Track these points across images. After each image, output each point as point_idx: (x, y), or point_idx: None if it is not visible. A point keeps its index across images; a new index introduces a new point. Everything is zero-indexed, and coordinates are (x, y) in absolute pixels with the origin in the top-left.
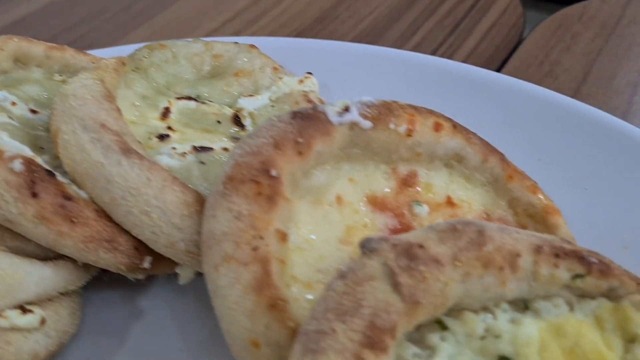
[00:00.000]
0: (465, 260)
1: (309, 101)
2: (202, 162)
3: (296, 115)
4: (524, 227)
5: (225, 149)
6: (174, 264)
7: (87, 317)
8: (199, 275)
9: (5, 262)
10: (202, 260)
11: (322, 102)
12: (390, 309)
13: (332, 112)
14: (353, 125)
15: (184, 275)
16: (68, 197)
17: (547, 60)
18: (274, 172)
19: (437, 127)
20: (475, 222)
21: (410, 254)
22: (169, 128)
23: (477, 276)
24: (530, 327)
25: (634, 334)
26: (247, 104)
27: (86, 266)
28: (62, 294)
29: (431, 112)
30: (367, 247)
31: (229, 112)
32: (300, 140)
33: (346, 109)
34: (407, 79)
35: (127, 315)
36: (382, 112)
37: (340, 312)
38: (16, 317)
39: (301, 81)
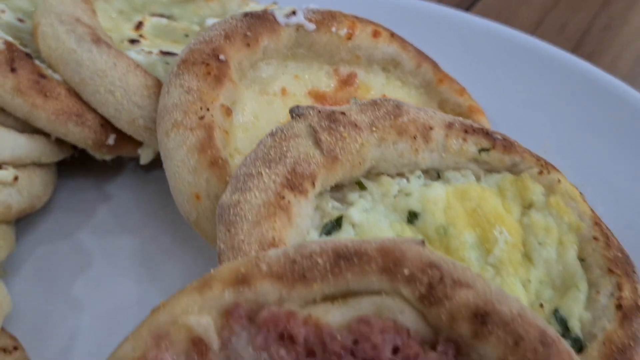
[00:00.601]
0: (381, 127)
1: None
2: (167, 63)
3: (247, 15)
4: None
5: None
6: (136, 146)
7: (59, 196)
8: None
9: None
10: (157, 131)
11: None
12: (311, 160)
13: (279, 14)
14: (299, 26)
15: (145, 155)
16: (43, 76)
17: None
18: (222, 57)
19: (376, 34)
20: (394, 99)
21: (332, 117)
22: (141, 36)
23: (392, 142)
24: (438, 189)
25: (531, 201)
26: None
27: (59, 144)
28: (37, 165)
29: (371, 22)
30: (295, 112)
31: (197, 28)
32: (248, 34)
33: (293, 13)
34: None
35: (95, 198)
36: (326, 17)
37: (266, 160)
38: None
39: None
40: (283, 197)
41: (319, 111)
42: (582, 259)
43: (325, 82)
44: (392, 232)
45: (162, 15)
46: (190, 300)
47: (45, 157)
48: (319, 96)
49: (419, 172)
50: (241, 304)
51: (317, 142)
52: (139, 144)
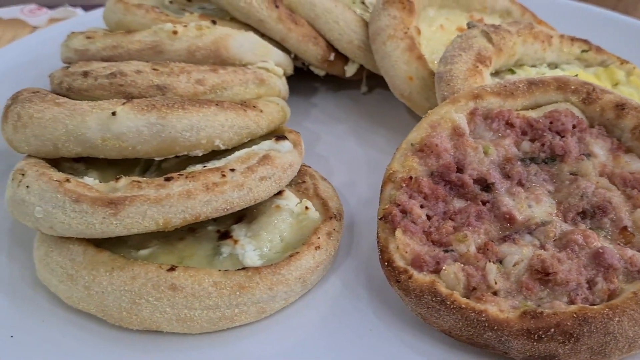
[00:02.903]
0: (524, 33)
1: None
2: (363, 2)
3: None
4: None
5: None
6: (342, 66)
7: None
8: (358, 75)
9: (264, 41)
10: (371, 45)
11: None
12: (487, 49)
13: None
14: None
15: (350, 69)
16: (292, 10)
17: None
18: None
19: None
20: (529, 21)
21: (495, 26)
22: None
23: (530, 43)
24: (561, 74)
25: (617, 80)
26: None
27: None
28: None
29: None
30: (471, 24)
31: None
32: None
33: None
34: None
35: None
36: None
37: (461, 48)
38: (274, 66)
39: None
40: (477, 67)
41: (485, 24)
42: None
43: (464, 22)
44: None
45: None
46: (448, 108)
47: (288, 68)
48: (462, 30)
49: (545, 65)
50: (478, 108)
51: (489, 39)
52: (345, 62)
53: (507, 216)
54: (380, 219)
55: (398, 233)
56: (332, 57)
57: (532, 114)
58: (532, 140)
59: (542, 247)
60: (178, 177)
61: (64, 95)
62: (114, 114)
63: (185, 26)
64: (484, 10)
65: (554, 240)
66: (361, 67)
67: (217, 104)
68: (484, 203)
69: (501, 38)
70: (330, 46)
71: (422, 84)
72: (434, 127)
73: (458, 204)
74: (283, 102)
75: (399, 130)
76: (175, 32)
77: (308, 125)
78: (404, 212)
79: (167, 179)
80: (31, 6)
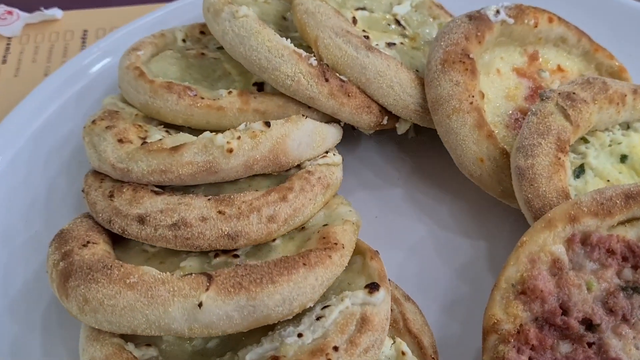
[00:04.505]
0: (599, 99)
1: (437, 5)
2: (410, 55)
3: (471, 17)
4: None
5: (402, 44)
6: (394, 121)
7: None
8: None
9: (318, 124)
10: (432, 115)
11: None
12: (566, 129)
13: (491, 14)
14: (503, 22)
15: (402, 127)
16: (342, 80)
17: None
18: (471, 55)
19: (550, 20)
20: (598, 77)
21: (570, 97)
22: (364, 30)
23: (605, 109)
24: (635, 137)
25: None
26: (399, 10)
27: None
28: None
29: (545, 10)
30: (544, 95)
31: (390, 17)
32: (478, 33)
33: (497, 12)
34: None
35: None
36: (518, 12)
37: (539, 133)
38: (333, 157)
39: None
40: (559, 158)
41: (559, 93)
42: None
43: (520, 60)
44: (615, 170)
45: (362, 9)
46: (545, 235)
47: (338, 139)
48: (519, 72)
49: (617, 126)
50: (576, 233)
51: (567, 117)
52: (396, 120)
53: None
54: None
55: None
56: (385, 120)
57: (632, 234)
58: (635, 268)
59: None
60: None
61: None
62: (200, 305)
63: (239, 138)
64: (538, 42)
65: None
66: None
67: (304, 264)
68: (589, 345)
69: (578, 112)
70: (383, 109)
71: (494, 166)
72: (533, 262)
73: (564, 348)
74: (354, 213)
75: (461, 196)
76: (230, 151)
77: (360, 194)
78: None
79: None
80: (1, 7)
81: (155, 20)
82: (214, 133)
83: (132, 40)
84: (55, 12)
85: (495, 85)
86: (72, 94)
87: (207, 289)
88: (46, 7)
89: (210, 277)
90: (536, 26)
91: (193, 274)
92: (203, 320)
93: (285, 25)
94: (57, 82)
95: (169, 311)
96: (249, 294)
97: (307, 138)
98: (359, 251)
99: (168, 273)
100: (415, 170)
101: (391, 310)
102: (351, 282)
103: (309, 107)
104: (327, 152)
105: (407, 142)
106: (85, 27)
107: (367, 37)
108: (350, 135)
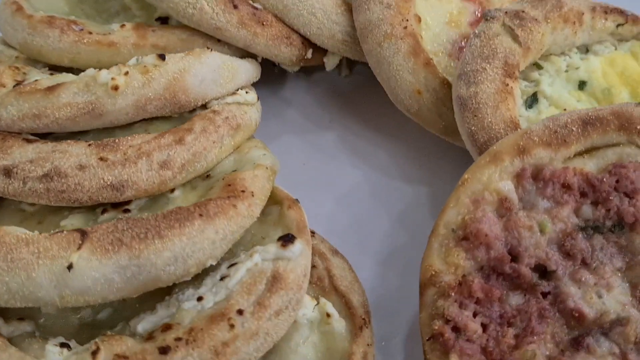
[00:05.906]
0: (552, 18)
1: None
2: None
3: None
4: None
5: None
6: (321, 56)
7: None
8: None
9: (226, 57)
10: (362, 43)
11: None
12: (514, 52)
13: None
14: None
15: (331, 62)
16: (255, 8)
17: None
18: None
19: None
20: None
21: (519, 16)
22: None
23: (560, 29)
24: (594, 61)
25: None
26: None
27: (260, 63)
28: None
29: None
30: (489, 15)
31: None
32: None
33: None
34: None
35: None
36: None
37: (483, 57)
38: (245, 95)
39: None
40: (507, 85)
41: (506, 12)
42: None
43: None
44: (572, 98)
45: None
46: (490, 171)
47: (256, 76)
48: None
49: (575, 50)
50: (526, 167)
51: (515, 38)
52: (323, 54)
53: (576, 314)
54: (429, 339)
55: (454, 359)
56: (309, 54)
57: (591, 166)
58: (595, 204)
59: (624, 356)
60: (177, 347)
61: None
62: (70, 267)
63: (127, 73)
64: None
65: (636, 344)
66: None
67: (200, 215)
68: (544, 295)
69: (528, 33)
70: (307, 41)
71: (434, 98)
72: (476, 203)
73: (514, 300)
74: (269, 157)
75: (399, 137)
76: (115, 88)
77: (285, 138)
78: (457, 329)
79: (163, 351)
80: None
81: None
82: (98, 70)
83: None
84: None
85: (435, 9)
86: None
87: (79, 248)
88: None
89: (84, 234)
90: None
91: (65, 231)
92: (75, 285)
93: None
94: None
95: (33, 277)
96: (131, 251)
97: (212, 74)
98: (276, 200)
99: (37, 232)
100: (349, 111)
101: (315, 266)
102: (265, 235)
103: (219, 41)
104: (238, 90)
105: (339, 82)
106: None
107: None
108: (273, 73)
